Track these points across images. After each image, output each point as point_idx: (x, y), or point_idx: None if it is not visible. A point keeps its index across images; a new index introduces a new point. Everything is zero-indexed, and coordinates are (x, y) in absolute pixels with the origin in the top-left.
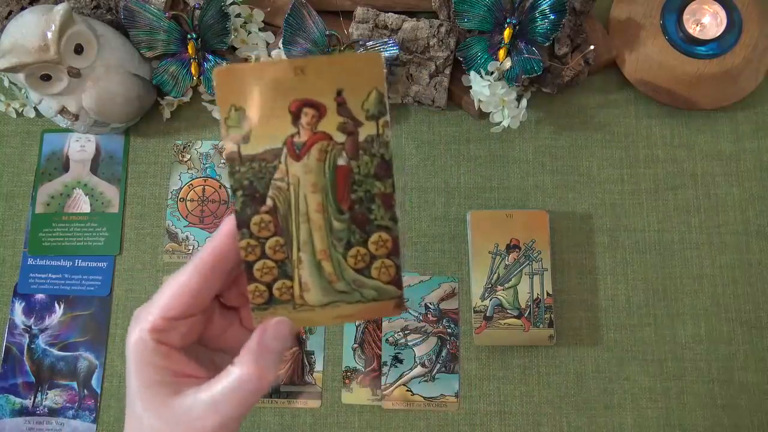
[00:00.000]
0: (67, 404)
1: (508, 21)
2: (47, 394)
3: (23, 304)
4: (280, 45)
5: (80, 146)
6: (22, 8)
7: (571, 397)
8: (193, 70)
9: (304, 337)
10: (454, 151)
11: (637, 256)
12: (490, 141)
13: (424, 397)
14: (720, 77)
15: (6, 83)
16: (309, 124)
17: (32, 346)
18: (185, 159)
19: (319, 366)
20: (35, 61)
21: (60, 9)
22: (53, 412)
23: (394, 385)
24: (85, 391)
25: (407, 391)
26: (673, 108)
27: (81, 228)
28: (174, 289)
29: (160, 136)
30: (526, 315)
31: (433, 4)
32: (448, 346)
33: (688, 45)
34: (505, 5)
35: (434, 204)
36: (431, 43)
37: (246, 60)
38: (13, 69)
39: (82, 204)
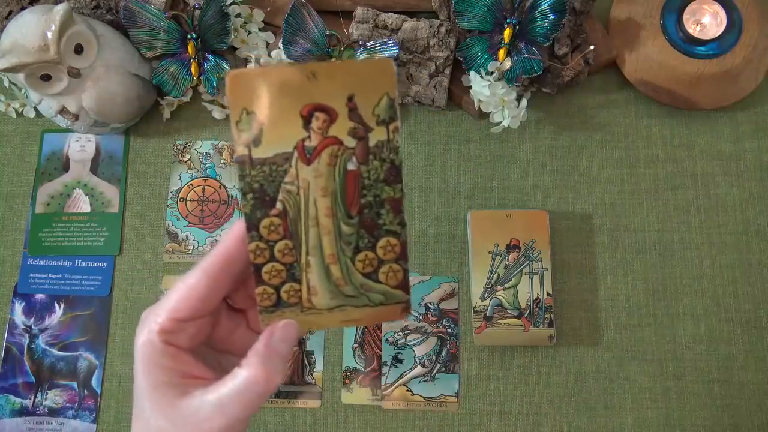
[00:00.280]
0: (67, 404)
1: (508, 21)
2: (47, 394)
3: (23, 304)
4: (280, 45)
5: (80, 146)
6: (22, 8)
7: (571, 397)
8: (193, 70)
9: (304, 337)
10: (454, 151)
11: (637, 256)
12: (490, 141)
13: (424, 397)
14: (720, 77)
15: (6, 83)
16: (320, 129)
17: (32, 346)
18: (185, 159)
19: (319, 366)
20: (35, 61)
21: (60, 9)
22: (53, 412)
23: (394, 385)
24: (85, 391)
25: (407, 391)
26: (673, 108)
27: (81, 228)
28: (182, 292)
29: (160, 136)
30: (526, 315)
31: (433, 4)
32: (448, 346)
33: (688, 45)
34: (505, 5)
35: (434, 204)
36: (431, 43)
37: (246, 60)
38: (13, 69)
39: (82, 204)
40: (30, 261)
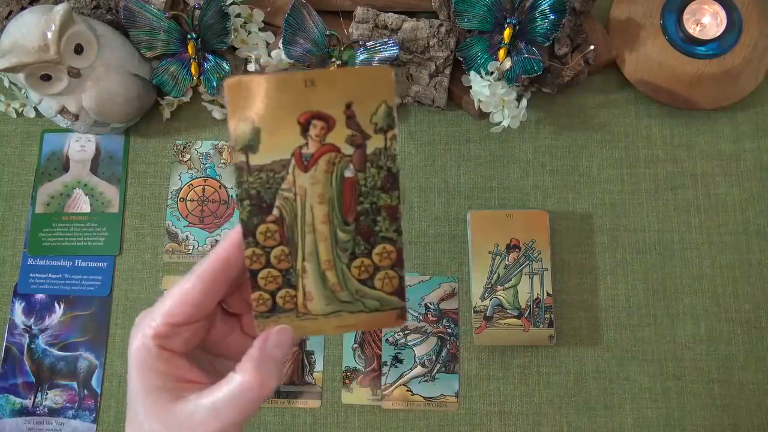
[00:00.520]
0: (67, 404)
1: (508, 21)
2: (47, 394)
3: (23, 304)
4: (280, 45)
5: (80, 146)
6: (22, 8)
7: (571, 397)
8: (193, 70)
9: (304, 337)
10: (454, 151)
11: (637, 256)
12: (490, 141)
13: (424, 397)
14: (720, 77)
15: (6, 83)
16: (317, 136)
17: (32, 346)
18: (185, 159)
19: (319, 366)
20: (35, 61)
21: (60, 9)
22: (53, 412)
23: (394, 385)
24: (85, 391)
25: (407, 391)
26: (673, 108)
27: (81, 228)
28: (177, 296)
29: (160, 136)
30: (526, 315)
31: (433, 4)
32: (448, 346)
33: (688, 45)
34: (505, 5)
35: (434, 204)
36: (431, 43)
37: (246, 60)
38: (13, 69)
39: (82, 204)
40: (30, 261)
